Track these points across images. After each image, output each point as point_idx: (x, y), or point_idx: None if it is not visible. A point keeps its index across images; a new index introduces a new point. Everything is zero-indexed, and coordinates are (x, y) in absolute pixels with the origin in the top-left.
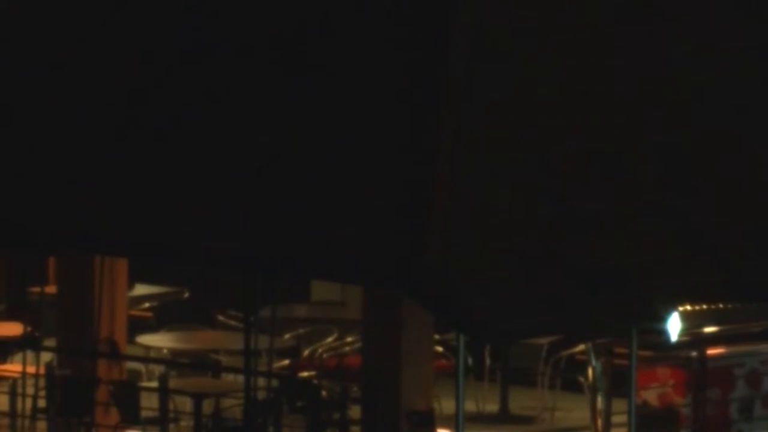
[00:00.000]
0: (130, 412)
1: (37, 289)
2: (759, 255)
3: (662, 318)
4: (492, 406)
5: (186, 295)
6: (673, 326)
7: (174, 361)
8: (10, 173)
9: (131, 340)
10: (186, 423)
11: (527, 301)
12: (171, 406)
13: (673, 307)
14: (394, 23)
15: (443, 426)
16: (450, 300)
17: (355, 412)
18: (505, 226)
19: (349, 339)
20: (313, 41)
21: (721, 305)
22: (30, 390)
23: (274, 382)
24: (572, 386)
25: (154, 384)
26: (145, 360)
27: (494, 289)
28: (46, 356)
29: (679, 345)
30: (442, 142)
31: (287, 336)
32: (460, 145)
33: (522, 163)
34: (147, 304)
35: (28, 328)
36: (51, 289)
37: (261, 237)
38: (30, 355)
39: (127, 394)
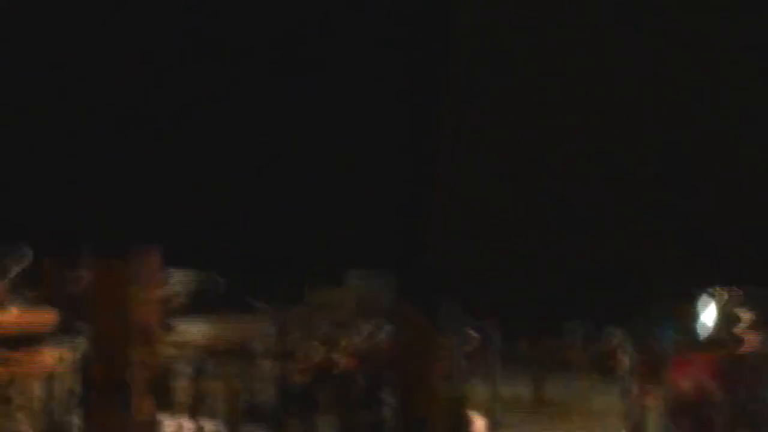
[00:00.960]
0: (164, 399)
1: (71, 276)
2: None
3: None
4: (526, 392)
5: (221, 282)
6: (709, 315)
7: (208, 348)
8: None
9: (166, 327)
10: (219, 410)
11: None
12: (204, 393)
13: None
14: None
15: (478, 412)
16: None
17: (390, 399)
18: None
19: (383, 329)
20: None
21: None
22: (65, 377)
23: (308, 370)
24: (606, 373)
25: (188, 371)
26: (180, 347)
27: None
28: (80, 344)
29: (715, 334)
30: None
31: (321, 324)
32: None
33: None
34: (182, 291)
35: (63, 315)
36: (85, 275)
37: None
38: (65, 342)
39: (161, 381)
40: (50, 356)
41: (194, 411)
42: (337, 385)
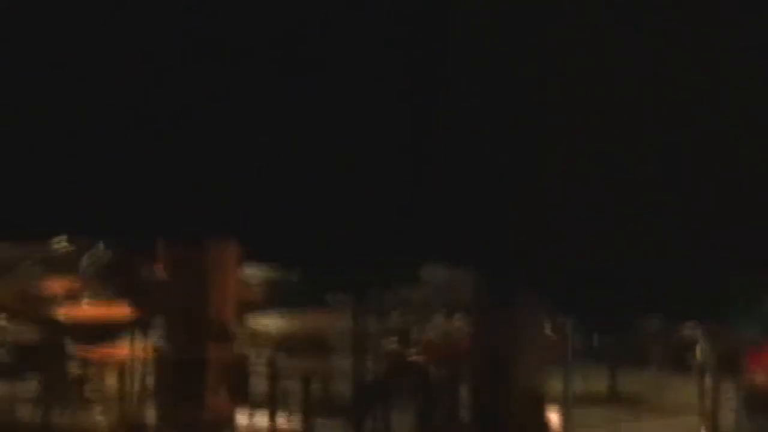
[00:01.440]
0: (240, 394)
1: (145, 271)
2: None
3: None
4: (600, 386)
5: (295, 276)
6: None
7: (283, 343)
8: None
9: (240, 322)
10: (295, 405)
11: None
12: (280, 389)
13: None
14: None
15: (551, 406)
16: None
17: (465, 394)
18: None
19: (458, 321)
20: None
21: None
22: (139, 372)
23: (384, 365)
24: (681, 367)
25: (263, 366)
26: (254, 342)
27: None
28: (154, 338)
29: None
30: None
31: (396, 318)
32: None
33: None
34: (256, 285)
35: (137, 310)
36: (159, 269)
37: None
38: (139, 337)
39: (236, 376)
40: (124, 350)
41: (269, 406)
42: (412, 380)
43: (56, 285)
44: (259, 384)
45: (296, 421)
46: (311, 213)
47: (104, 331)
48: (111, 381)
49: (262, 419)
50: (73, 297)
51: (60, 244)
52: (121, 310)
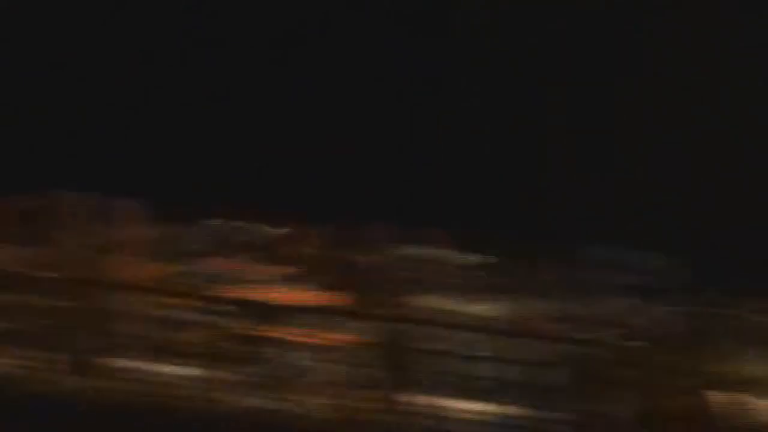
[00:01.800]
0: (463, 383)
1: (361, 258)
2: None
3: None
4: None
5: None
6: None
7: (503, 329)
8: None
9: (462, 308)
10: (517, 391)
11: None
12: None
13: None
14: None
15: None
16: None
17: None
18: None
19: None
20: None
21: None
22: (359, 360)
23: (599, 350)
24: None
25: (486, 352)
26: (475, 329)
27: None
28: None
29: None
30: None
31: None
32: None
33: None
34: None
35: (355, 297)
36: (376, 257)
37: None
38: (357, 324)
39: (456, 364)
40: (344, 336)
41: (498, 393)
42: (631, 366)
43: (273, 270)
44: (482, 371)
45: (521, 408)
46: (515, 203)
47: (322, 317)
48: (329, 367)
49: (488, 406)
50: (290, 282)
51: (278, 229)
52: (338, 297)
